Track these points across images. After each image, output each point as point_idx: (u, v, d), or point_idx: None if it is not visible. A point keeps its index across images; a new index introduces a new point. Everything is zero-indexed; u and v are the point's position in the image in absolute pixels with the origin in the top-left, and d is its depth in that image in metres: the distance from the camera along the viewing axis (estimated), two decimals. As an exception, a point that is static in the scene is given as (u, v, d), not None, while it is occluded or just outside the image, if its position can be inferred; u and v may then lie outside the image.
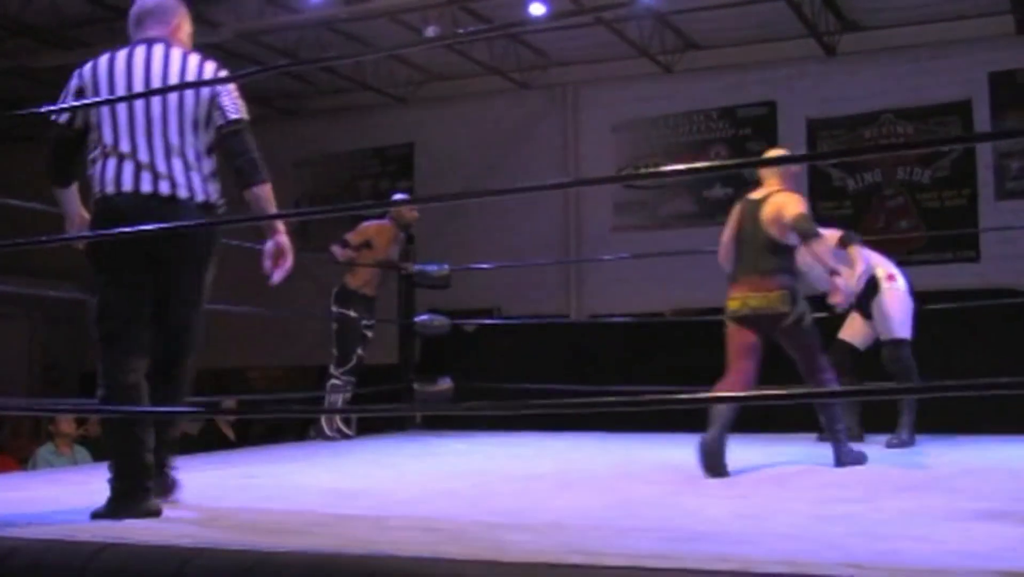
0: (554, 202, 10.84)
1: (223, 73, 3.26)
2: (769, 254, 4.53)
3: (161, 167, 3.12)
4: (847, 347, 5.81)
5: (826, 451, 5.48)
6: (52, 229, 3.60)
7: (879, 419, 6.15)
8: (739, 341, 4.54)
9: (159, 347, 3.20)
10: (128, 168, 3.11)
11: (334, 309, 6.57)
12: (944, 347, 7.67)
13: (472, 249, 10.07)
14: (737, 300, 4.54)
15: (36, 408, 8.29)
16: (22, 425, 8.63)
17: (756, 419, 6.40)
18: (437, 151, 11.51)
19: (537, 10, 8.85)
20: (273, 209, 3.28)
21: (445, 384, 7.17)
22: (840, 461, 4.47)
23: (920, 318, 6.53)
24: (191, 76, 3.22)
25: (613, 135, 10.77)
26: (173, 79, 3.20)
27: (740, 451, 5.23)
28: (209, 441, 8.43)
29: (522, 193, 2.71)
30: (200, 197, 3.20)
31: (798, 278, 4.65)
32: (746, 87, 10.30)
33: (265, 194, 3.27)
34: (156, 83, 3.18)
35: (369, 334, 6.71)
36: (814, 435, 5.98)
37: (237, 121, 3.23)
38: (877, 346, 5.84)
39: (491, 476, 4.37)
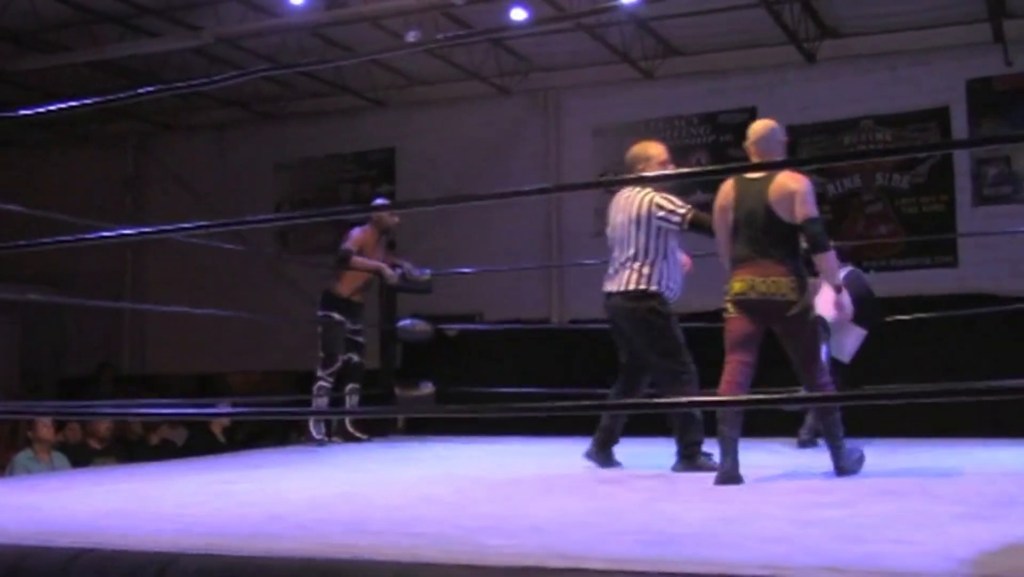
0: (536, 207, 10.85)
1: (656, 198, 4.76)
2: (779, 237, 4.26)
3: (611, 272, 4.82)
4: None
5: (806, 456, 5.51)
6: (33, 233, 3.58)
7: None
8: (739, 330, 4.28)
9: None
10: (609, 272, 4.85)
11: (319, 313, 6.61)
12: (923, 352, 7.74)
13: (454, 254, 10.07)
14: (743, 282, 4.27)
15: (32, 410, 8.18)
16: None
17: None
18: (418, 156, 11.51)
19: (518, 15, 8.86)
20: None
21: (427, 389, 7.17)
22: (841, 468, 4.24)
23: (898, 324, 6.61)
24: (637, 203, 4.76)
25: (594, 140, 10.79)
26: (631, 207, 4.77)
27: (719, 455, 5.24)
28: (193, 447, 8.39)
29: (503, 198, 2.72)
30: (626, 288, 4.72)
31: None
32: (727, 93, 10.35)
33: None
34: (626, 212, 4.77)
35: (361, 340, 6.73)
36: (794, 440, 6.01)
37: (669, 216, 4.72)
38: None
39: (472, 481, 4.37)
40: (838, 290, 4.40)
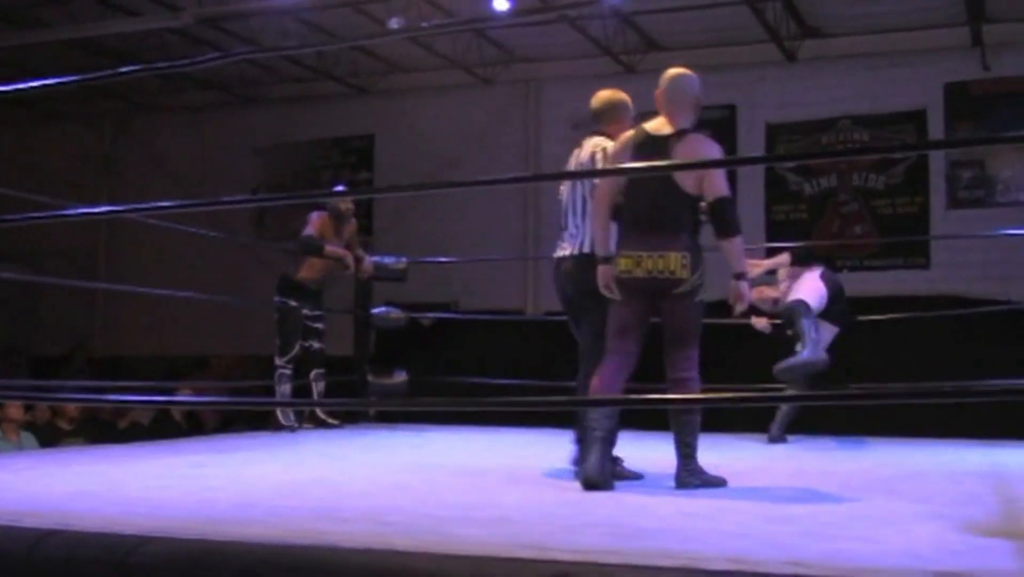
0: (513, 198, 10.85)
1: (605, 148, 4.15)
2: (674, 208, 3.76)
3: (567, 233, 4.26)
4: None
5: (774, 451, 5.56)
6: (7, 211, 3.54)
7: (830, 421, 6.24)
8: (622, 316, 3.83)
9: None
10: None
11: (276, 299, 6.58)
12: (891, 353, 7.81)
13: (431, 243, 10.06)
14: (629, 259, 3.79)
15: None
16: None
17: (706, 419, 6.44)
18: (398, 143, 11.47)
19: (501, 5, 8.85)
20: None
21: (400, 377, 7.17)
22: (683, 481, 3.70)
23: (868, 323, 6.67)
24: (586, 157, 4.21)
25: (574, 132, 10.76)
26: (583, 164, 4.23)
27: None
28: (160, 429, 8.35)
29: (481, 187, 2.73)
30: (577, 251, 4.17)
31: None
32: (707, 89, 10.24)
33: None
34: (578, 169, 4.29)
35: (320, 326, 6.69)
36: (764, 436, 6.07)
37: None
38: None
39: (442, 470, 4.38)
40: (742, 276, 3.84)
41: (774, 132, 10.12)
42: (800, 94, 10.00)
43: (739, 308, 3.90)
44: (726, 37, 9.99)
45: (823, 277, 6.21)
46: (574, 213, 4.23)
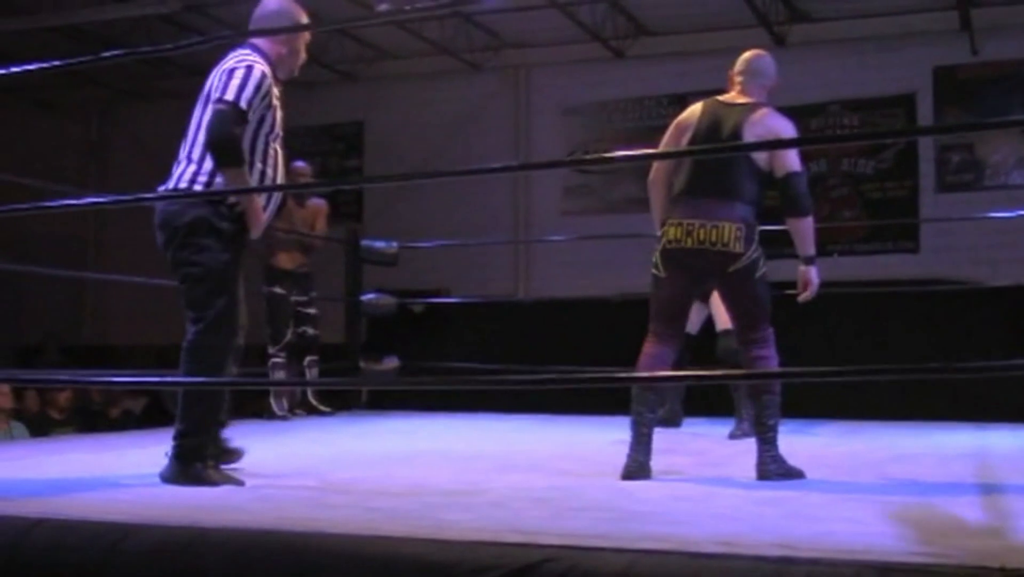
0: (504, 184, 10.84)
1: (235, 66, 3.46)
2: (736, 176, 3.48)
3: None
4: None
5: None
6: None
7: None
8: (666, 293, 3.53)
9: None
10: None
11: (264, 288, 6.59)
12: (881, 334, 7.84)
13: (421, 228, 10.04)
14: (679, 227, 3.46)
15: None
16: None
17: (696, 400, 6.46)
18: (387, 130, 11.44)
19: (489, -9, 8.80)
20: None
21: (391, 363, 7.18)
22: (765, 471, 3.47)
23: (858, 304, 6.66)
24: (217, 72, 3.50)
25: (564, 119, 10.77)
26: (212, 79, 3.49)
27: (678, 434, 5.30)
28: (152, 418, 8.33)
29: (470, 176, 2.71)
30: (173, 185, 3.52)
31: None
32: (696, 75, 10.34)
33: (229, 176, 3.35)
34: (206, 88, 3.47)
35: (312, 311, 6.71)
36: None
37: (216, 101, 3.36)
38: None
39: (433, 456, 4.38)
40: (811, 261, 3.63)
41: (764, 117, 10.11)
42: (790, 79, 9.92)
43: (805, 296, 3.67)
44: (715, 22, 9.98)
45: None
46: (185, 140, 3.53)
